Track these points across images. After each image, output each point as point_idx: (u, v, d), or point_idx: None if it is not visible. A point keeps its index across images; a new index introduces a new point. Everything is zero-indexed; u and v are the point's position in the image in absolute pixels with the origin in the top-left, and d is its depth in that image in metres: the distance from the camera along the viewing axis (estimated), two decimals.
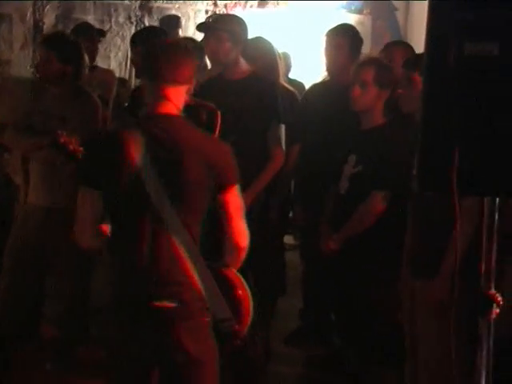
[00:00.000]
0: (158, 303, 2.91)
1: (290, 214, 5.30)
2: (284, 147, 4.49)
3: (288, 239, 5.86)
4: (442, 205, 2.34)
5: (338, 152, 4.30)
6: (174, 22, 7.58)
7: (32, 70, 7.06)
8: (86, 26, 6.51)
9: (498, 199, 2.42)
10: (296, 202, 5.13)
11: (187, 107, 3.26)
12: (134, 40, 5.29)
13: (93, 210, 3.02)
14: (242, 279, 3.08)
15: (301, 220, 5.13)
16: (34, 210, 4.59)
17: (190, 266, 2.89)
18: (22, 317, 4.95)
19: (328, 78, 5.18)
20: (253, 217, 4.33)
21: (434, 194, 2.77)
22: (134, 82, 7.67)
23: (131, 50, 5.41)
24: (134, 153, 2.89)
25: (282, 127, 4.44)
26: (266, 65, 4.80)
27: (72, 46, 4.69)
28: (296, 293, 5.31)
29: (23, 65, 7.20)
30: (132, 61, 5.45)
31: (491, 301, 2.44)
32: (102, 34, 6.77)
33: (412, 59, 4.08)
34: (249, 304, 3.06)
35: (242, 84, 4.39)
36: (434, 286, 3.32)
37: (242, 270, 4.34)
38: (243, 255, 3.09)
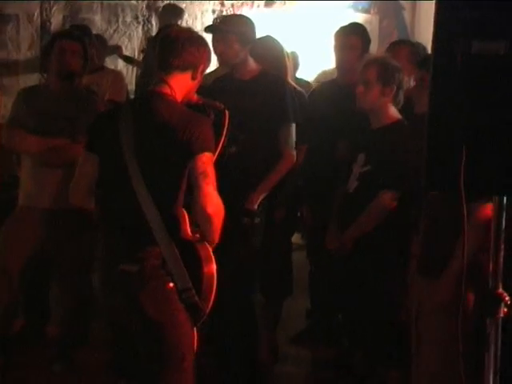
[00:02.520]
0: (122, 266, 3.13)
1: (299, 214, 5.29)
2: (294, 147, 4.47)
3: (296, 238, 5.83)
4: (451, 204, 2.33)
5: (346, 151, 4.30)
6: (177, 11, 7.62)
7: (39, 69, 7.07)
8: (84, 27, 6.43)
9: (505, 199, 2.42)
10: (303, 201, 5.11)
11: (196, 106, 3.31)
12: (152, 41, 5.30)
13: (89, 173, 3.28)
14: (212, 256, 3.16)
15: (308, 219, 5.11)
16: (35, 212, 4.52)
17: (156, 236, 3.06)
18: (27, 317, 4.97)
19: (334, 77, 5.18)
20: (259, 216, 4.35)
21: (441, 193, 2.77)
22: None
23: (152, 50, 5.39)
24: (121, 126, 3.15)
25: (293, 127, 4.41)
26: (275, 64, 4.78)
27: (87, 41, 4.68)
28: (303, 293, 5.29)
29: (31, 65, 7.22)
30: (146, 60, 5.44)
31: (499, 300, 2.44)
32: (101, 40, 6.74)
33: (424, 58, 4.06)
34: (213, 281, 3.15)
35: (252, 84, 4.37)
36: (440, 286, 3.30)
37: (249, 270, 4.39)
38: (215, 223, 3.11)
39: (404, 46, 5.20)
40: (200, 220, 3.13)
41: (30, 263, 4.57)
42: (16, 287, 4.58)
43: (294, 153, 4.45)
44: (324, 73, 6.73)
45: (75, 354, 4.72)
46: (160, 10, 7.89)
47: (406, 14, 9.24)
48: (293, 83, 4.96)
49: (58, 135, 4.43)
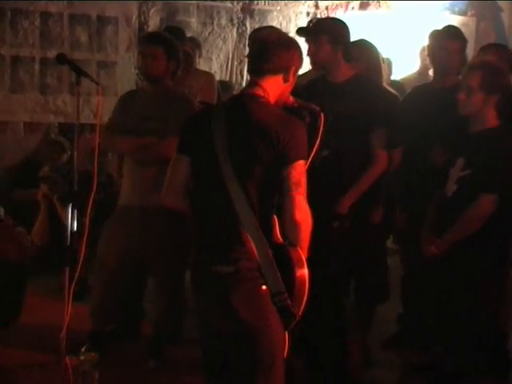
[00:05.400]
0: (215, 267, 3.11)
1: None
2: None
3: (388, 242, 5.77)
4: None
5: (442, 155, 4.24)
6: None
7: (137, 71, 7.22)
8: (176, 29, 6.50)
9: None
10: (396, 205, 5.07)
11: (291, 108, 3.31)
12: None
13: (181, 175, 3.27)
14: (304, 260, 3.09)
15: (400, 223, 5.07)
16: (130, 210, 4.63)
17: (249, 237, 3.04)
18: (122, 314, 5.06)
19: (431, 80, 5.13)
20: (355, 220, 4.33)
21: None
22: (235, 81, 7.79)
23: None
24: (214, 127, 3.13)
25: (385, 131, 4.39)
26: (369, 67, 4.76)
27: (174, 42, 4.74)
28: (395, 297, 5.24)
29: (128, 67, 7.38)
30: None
31: None
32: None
33: None
34: (305, 285, 3.08)
35: (345, 87, 4.36)
36: None
37: (339, 274, 4.37)
38: (303, 231, 3.10)
39: (493, 50, 5.11)
40: (288, 227, 3.11)
41: (128, 260, 4.67)
42: (115, 284, 4.68)
43: (386, 157, 4.42)
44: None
45: (169, 351, 4.79)
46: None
47: (505, 16, 9.04)
48: (388, 87, 4.93)
49: (150, 135, 4.51)
